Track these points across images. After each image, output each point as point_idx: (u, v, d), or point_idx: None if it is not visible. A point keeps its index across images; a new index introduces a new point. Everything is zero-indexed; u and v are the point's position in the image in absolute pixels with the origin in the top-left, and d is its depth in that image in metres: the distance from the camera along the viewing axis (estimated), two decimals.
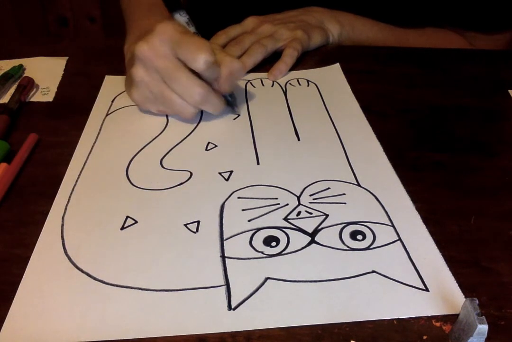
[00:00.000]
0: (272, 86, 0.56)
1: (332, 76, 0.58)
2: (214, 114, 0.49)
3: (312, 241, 0.35)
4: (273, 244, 0.35)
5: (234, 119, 0.50)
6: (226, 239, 0.36)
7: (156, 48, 0.43)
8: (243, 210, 0.38)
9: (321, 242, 0.35)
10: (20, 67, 0.58)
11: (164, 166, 0.43)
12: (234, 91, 0.51)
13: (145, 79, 0.45)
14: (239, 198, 0.39)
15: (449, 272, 0.33)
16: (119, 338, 0.29)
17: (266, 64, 0.59)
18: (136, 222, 0.37)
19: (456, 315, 0.29)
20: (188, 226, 0.37)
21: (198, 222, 0.37)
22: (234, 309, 0.31)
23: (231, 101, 0.50)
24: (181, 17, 0.46)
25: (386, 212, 0.38)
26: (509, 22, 0.69)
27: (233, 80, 0.48)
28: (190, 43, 0.43)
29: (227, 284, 0.32)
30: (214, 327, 0.30)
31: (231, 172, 0.42)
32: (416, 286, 0.32)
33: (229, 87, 0.48)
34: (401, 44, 0.67)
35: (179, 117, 0.50)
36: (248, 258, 0.34)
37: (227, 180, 0.42)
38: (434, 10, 0.68)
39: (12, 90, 0.54)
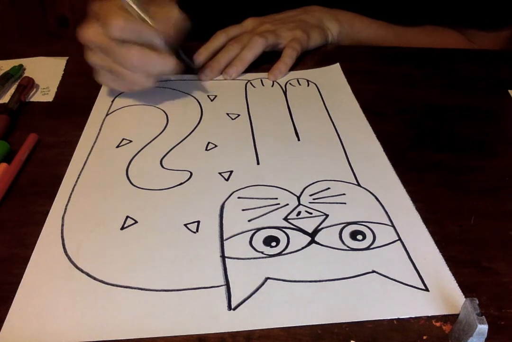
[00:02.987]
0: (272, 86, 0.56)
1: (332, 76, 0.58)
2: (172, 75, 0.51)
3: (312, 241, 0.35)
4: (273, 244, 0.35)
5: (234, 119, 0.50)
6: (226, 239, 0.36)
7: (90, 30, 0.46)
8: (243, 210, 0.38)
9: (321, 242, 0.35)
10: (20, 67, 0.58)
11: (164, 166, 0.43)
12: (180, 50, 0.50)
13: (96, 61, 0.48)
14: (239, 198, 0.39)
15: (449, 272, 0.33)
16: (119, 338, 0.29)
17: (266, 64, 0.59)
18: (136, 222, 0.37)
19: (456, 315, 0.29)
20: (188, 226, 0.37)
21: (198, 222, 0.37)
22: (234, 309, 0.31)
23: (184, 58, 0.50)
24: None
25: (386, 212, 0.38)
26: (508, 19, 0.69)
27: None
28: (105, 15, 0.45)
29: (227, 284, 0.32)
30: (214, 327, 0.30)
31: (231, 172, 0.42)
32: (416, 286, 0.32)
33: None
34: (400, 41, 0.67)
35: (179, 117, 0.50)
36: (248, 258, 0.34)
37: (227, 180, 0.42)
38: (434, 8, 0.68)
39: (12, 90, 0.54)
